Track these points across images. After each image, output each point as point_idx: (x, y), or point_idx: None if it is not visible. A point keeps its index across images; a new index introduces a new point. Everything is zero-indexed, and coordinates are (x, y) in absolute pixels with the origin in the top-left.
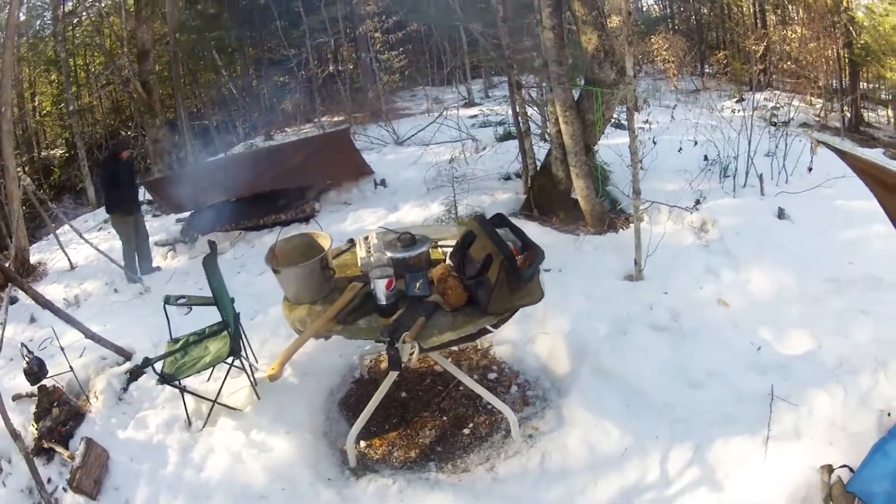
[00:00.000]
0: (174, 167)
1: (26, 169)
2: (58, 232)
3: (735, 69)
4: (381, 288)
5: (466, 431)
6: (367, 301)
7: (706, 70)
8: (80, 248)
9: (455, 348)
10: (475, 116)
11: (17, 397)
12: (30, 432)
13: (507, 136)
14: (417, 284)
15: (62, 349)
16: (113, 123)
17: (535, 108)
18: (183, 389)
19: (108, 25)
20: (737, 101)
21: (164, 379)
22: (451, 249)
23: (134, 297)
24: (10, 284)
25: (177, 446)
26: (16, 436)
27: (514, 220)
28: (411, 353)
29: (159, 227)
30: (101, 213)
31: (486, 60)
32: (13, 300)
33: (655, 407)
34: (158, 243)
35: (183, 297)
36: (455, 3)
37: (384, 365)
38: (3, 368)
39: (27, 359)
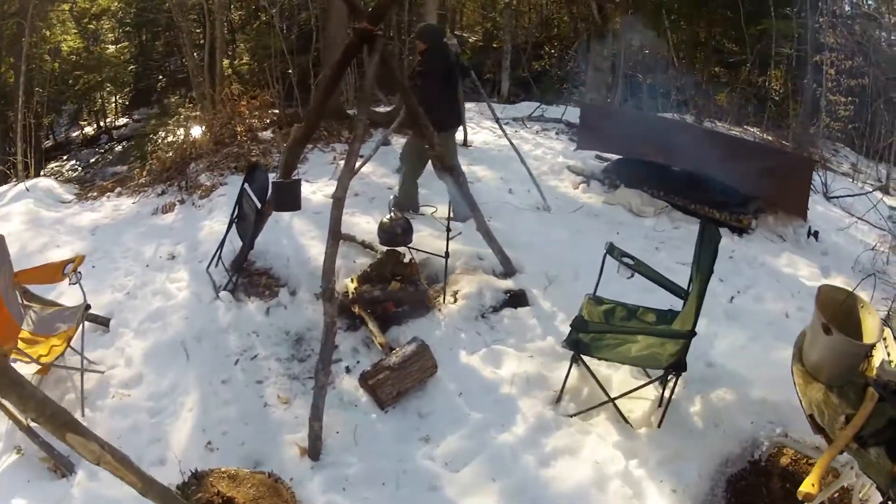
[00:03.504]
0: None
1: None
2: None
3: None
4: None
5: None
6: (888, 427)
7: None
8: (479, 132)
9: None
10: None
11: (343, 238)
12: (344, 286)
13: None
14: None
15: (448, 230)
16: (538, 36)
17: None
18: (578, 359)
19: None
20: None
21: (578, 346)
22: None
23: (529, 210)
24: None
25: (532, 419)
26: (329, 276)
27: None
28: None
29: (570, 153)
30: (511, 109)
31: None
32: (386, 142)
33: None
34: (572, 169)
35: (631, 258)
36: None
37: (784, 460)
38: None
39: (393, 214)
